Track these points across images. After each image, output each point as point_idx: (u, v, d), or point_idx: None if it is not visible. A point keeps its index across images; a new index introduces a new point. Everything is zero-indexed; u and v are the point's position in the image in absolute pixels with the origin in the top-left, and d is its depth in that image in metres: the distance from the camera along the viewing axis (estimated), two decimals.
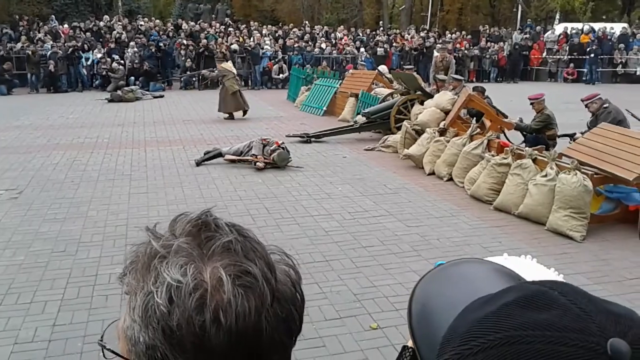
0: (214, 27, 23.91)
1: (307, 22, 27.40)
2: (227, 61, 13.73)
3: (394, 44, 23.83)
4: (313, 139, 10.17)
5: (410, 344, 1.05)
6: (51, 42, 19.67)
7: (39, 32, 20.91)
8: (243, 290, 0.58)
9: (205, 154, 8.63)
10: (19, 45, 19.68)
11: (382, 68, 14.45)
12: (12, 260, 4.84)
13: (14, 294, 4.22)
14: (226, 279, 0.58)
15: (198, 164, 8.34)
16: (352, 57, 21.95)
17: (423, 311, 0.66)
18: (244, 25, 25.39)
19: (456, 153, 7.44)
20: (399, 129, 9.61)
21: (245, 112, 13.13)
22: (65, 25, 22.96)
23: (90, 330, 3.69)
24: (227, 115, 12.96)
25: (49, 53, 18.83)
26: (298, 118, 13.27)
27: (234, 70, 13.15)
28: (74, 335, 3.64)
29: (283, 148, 8.27)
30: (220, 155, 8.55)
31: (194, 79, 19.46)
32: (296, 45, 22.01)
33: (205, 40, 20.49)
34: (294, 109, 15.04)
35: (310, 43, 22.58)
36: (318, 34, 24.61)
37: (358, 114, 11.43)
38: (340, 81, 14.27)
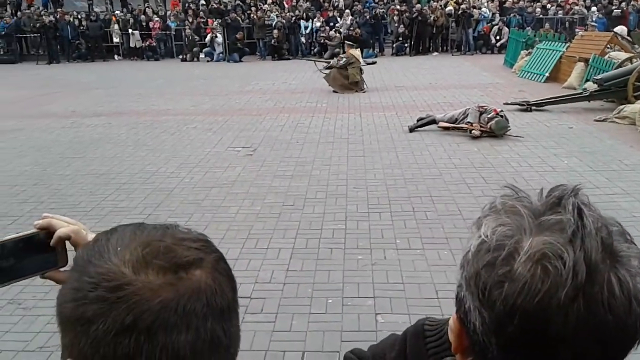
0: None
1: None
2: (356, 48, 13.25)
3: (632, 2, 20.94)
4: (534, 107, 9.52)
5: None
6: (276, 12, 21.29)
7: (265, 3, 22.75)
8: (541, 271, 0.56)
9: (418, 120, 8.64)
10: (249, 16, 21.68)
11: (620, 29, 12.83)
12: (251, 209, 5.44)
13: (253, 239, 4.75)
14: (531, 253, 0.57)
15: (411, 130, 8.40)
16: (581, 18, 19.87)
17: None
18: None
19: None
20: (638, 98, 8.51)
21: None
22: None
23: (318, 279, 4.00)
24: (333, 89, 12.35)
25: (274, 23, 20.43)
26: (516, 85, 12.52)
27: (362, 60, 12.65)
28: (304, 281, 3.98)
29: (502, 116, 7.89)
30: (434, 122, 8.48)
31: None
32: (516, 6, 20.62)
33: (419, 5, 20.27)
34: (512, 75, 14.22)
35: (531, 3, 20.97)
36: None
37: (587, 80, 10.37)
38: (567, 44, 13.04)
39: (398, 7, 20.90)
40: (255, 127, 9.10)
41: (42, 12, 23.37)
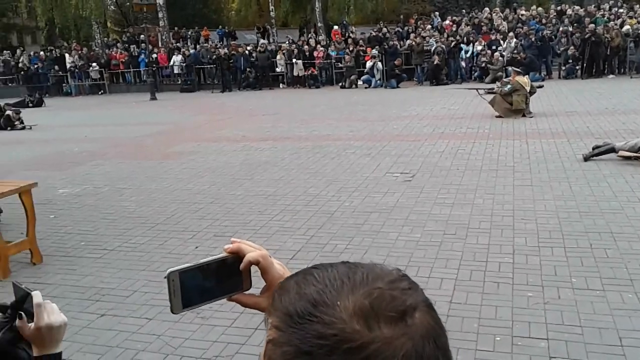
0: (602, 10, 21.82)
1: None
2: (523, 75, 12.23)
3: None
4: None
5: None
6: (435, 38, 21.17)
7: (423, 29, 22.75)
8: None
9: (594, 148, 7.96)
10: (408, 42, 21.81)
11: None
12: (410, 236, 5.36)
13: (414, 267, 4.65)
14: None
15: (586, 159, 7.75)
16: None
17: None
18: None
19: None
20: None
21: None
22: (448, 21, 24.34)
23: (484, 314, 3.79)
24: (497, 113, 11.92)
25: (432, 48, 20.31)
26: None
27: (528, 87, 11.67)
28: (469, 315, 3.80)
29: None
30: (612, 150, 7.75)
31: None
32: None
33: (592, 25, 18.86)
34: None
35: None
36: None
37: None
38: None
39: (569, 28, 19.63)
40: (413, 153, 9.03)
41: (218, 45, 25.75)
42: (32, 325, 1.14)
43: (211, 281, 0.84)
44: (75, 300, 4.34)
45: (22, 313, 1.15)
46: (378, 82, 20.58)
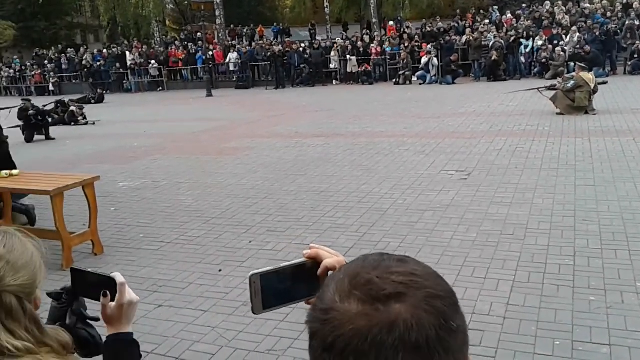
0: None
1: None
2: (588, 71, 11.60)
3: None
4: None
5: None
6: (494, 33, 20.62)
7: (481, 24, 22.21)
8: None
9: None
10: (464, 38, 21.33)
11: None
12: (466, 236, 5.24)
13: (469, 267, 4.55)
14: None
15: None
16: None
17: None
18: None
19: None
20: None
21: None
22: (508, 15, 23.67)
23: (543, 317, 3.67)
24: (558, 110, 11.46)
25: (490, 43, 19.80)
26: None
27: (592, 84, 11.06)
28: (527, 318, 3.68)
29: None
30: None
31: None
32: None
33: None
34: None
35: None
36: None
37: None
38: None
39: (635, 21, 18.73)
40: (470, 150, 8.84)
41: (273, 43, 25.98)
42: (112, 304, 1.23)
43: (290, 285, 0.88)
44: (134, 291, 4.43)
45: (107, 291, 1.21)
46: (433, 78, 20.26)
